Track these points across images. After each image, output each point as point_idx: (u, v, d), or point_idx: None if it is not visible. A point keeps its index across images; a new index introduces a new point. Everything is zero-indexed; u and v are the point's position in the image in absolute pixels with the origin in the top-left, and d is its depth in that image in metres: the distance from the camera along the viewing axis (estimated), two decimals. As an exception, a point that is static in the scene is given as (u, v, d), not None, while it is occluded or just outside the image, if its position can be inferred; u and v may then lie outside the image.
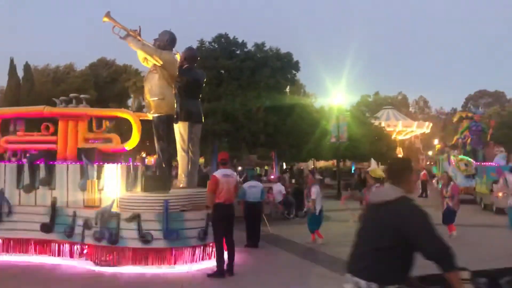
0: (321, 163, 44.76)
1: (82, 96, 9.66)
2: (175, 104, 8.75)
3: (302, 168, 37.73)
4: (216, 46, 18.53)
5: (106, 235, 7.91)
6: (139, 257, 7.83)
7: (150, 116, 8.79)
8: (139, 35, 8.66)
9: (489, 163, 20.32)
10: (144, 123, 9.42)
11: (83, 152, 9.01)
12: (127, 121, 9.84)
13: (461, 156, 22.49)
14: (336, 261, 8.72)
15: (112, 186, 8.88)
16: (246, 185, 10.32)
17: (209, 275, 7.42)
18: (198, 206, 8.33)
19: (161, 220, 7.78)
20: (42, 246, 8.66)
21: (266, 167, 34.82)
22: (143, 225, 7.81)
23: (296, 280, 7.37)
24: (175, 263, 7.83)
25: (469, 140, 22.92)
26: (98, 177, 8.80)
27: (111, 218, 7.92)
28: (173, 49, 8.93)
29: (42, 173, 8.96)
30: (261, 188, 10.65)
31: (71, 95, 9.72)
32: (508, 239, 10.79)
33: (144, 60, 8.91)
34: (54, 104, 10.13)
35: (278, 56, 18.59)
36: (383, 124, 51.74)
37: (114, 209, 8.13)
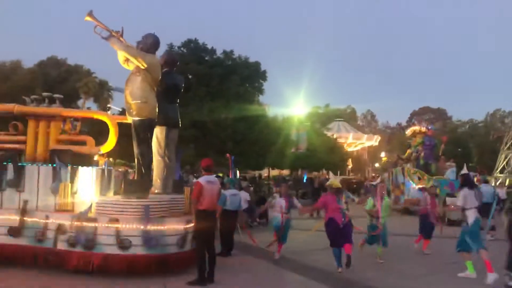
0: (275, 172, 45.26)
1: (55, 95, 9.28)
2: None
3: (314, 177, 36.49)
4: (185, 51, 18.39)
5: (82, 241, 7.64)
6: (117, 264, 7.59)
7: (129, 119, 8.59)
8: (122, 36, 8.48)
9: (441, 177, 21.31)
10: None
11: (56, 154, 8.66)
12: (100, 123, 9.58)
13: (414, 169, 23.43)
14: (312, 269, 8.89)
15: (86, 189, 8.60)
16: (227, 192, 10.26)
17: (189, 283, 7.32)
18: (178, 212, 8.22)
19: (140, 226, 7.61)
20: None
21: (220, 174, 34.73)
22: (122, 230, 7.61)
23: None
24: (154, 271, 7.65)
25: (422, 154, 23.92)
26: (72, 180, 8.50)
27: (88, 223, 7.66)
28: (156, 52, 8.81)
29: (10, 174, 8.54)
30: (240, 196, 10.65)
31: (44, 94, 9.32)
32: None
33: (125, 62, 8.73)
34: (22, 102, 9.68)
35: (247, 64, 18.70)
36: (335, 136, 53.05)
37: (91, 213, 7.87)
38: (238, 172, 34.18)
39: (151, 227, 7.63)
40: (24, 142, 9.06)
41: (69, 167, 8.53)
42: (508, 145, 49.02)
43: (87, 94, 51.15)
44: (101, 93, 52.15)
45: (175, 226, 7.98)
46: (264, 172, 44.10)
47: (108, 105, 38.58)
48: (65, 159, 8.63)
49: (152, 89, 8.46)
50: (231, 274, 8.28)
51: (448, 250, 9.95)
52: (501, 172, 48.40)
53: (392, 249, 10.39)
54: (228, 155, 19.65)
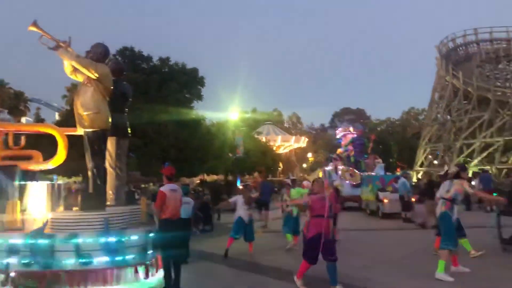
0: (209, 178, 45.18)
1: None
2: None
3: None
4: (120, 59, 17.94)
5: (39, 260, 7.31)
6: (77, 280, 7.36)
7: (80, 131, 8.34)
8: (69, 46, 8.23)
9: (372, 173, 22.63)
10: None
11: (2, 170, 8.21)
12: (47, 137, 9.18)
13: (346, 167, 24.65)
14: (273, 269, 9.15)
15: (36, 206, 8.22)
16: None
17: (155, 293, 7.28)
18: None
19: (101, 239, 7.43)
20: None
21: (152, 185, 34.09)
22: (81, 245, 7.39)
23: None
24: (117, 284, 7.51)
25: (352, 153, 25.23)
26: (20, 197, 8.09)
27: (45, 240, 7.34)
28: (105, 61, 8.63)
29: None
30: (193, 205, 10.69)
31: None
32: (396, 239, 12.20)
33: (72, 73, 8.47)
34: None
35: (184, 71, 18.62)
36: (265, 139, 54.05)
37: (47, 230, 7.55)
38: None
39: (112, 240, 7.48)
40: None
41: (16, 183, 8.13)
42: (425, 140, 52.59)
43: (1, 106, 48.09)
44: (17, 104, 49.31)
45: (135, 236, 7.88)
46: (197, 179, 43.95)
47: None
48: (11, 175, 8.20)
49: (104, 99, 8.28)
50: (193, 281, 8.32)
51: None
52: (421, 166, 51.78)
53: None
54: (163, 164, 19.52)
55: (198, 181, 42.73)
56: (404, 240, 12.53)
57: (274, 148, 63.16)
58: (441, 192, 8.30)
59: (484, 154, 45.06)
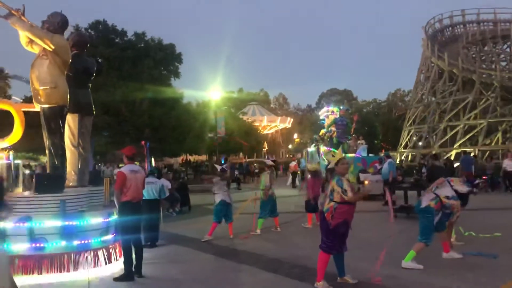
0: (192, 158, 44.78)
1: None
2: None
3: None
4: (93, 33, 17.18)
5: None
6: (32, 265, 6.94)
7: (37, 107, 7.81)
8: (23, 15, 7.63)
9: (354, 154, 22.30)
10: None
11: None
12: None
13: (328, 148, 24.26)
14: (241, 252, 8.81)
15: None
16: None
17: (115, 279, 6.88)
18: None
19: (57, 223, 7.00)
20: None
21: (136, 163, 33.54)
22: (36, 229, 6.94)
23: (209, 276, 7.22)
24: (75, 269, 7.10)
25: (335, 134, 24.81)
26: (-28, 178, 7.58)
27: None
28: (64, 32, 8.06)
29: None
30: (160, 185, 10.20)
31: None
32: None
33: (28, 44, 7.91)
34: None
35: (161, 47, 17.94)
36: (250, 120, 53.60)
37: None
38: (153, 160, 33.45)
39: (69, 223, 7.05)
40: None
41: (-32, 163, 7.62)
42: (410, 121, 52.56)
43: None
44: (-3, 81, 48.11)
45: (95, 220, 7.46)
46: (180, 159, 43.51)
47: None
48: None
49: (62, 73, 7.76)
50: (160, 266, 7.93)
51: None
52: (405, 147, 51.87)
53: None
54: (143, 142, 18.92)
55: (181, 161, 42.35)
56: (383, 223, 12.26)
57: (260, 129, 62.85)
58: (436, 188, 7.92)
59: (468, 136, 45.25)
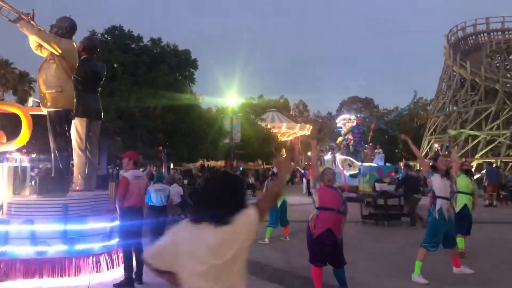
0: (210, 164, 44.83)
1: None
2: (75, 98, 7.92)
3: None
4: (109, 38, 17.34)
5: (-8, 246, 6.86)
6: (33, 269, 6.92)
7: (44, 110, 7.84)
8: (33, 19, 7.68)
9: (371, 164, 21.96)
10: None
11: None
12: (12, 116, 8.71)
13: (344, 157, 23.99)
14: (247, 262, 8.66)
15: (-3, 189, 7.77)
16: (152, 188, 9.74)
17: (115, 285, 6.81)
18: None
19: (59, 227, 6.97)
20: None
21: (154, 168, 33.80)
22: (38, 233, 6.93)
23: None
24: (76, 274, 7.05)
25: (351, 142, 24.53)
26: (-21, 180, 7.64)
27: (-2, 226, 6.89)
28: (73, 37, 8.09)
29: None
30: (168, 191, 10.17)
31: None
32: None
33: (37, 48, 7.96)
34: None
35: (176, 52, 17.99)
36: (269, 126, 53.47)
37: (2, 215, 7.10)
38: (172, 165, 33.55)
39: (71, 227, 7.01)
40: None
41: (-25, 165, 7.67)
42: (430, 131, 51.67)
43: (5, 86, 47.88)
44: (21, 85, 49.08)
45: (98, 225, 7.41)
46: (198, 164, 43.60)
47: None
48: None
49: (69, 77, 7.76)
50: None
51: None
52: (425, 157, 50.94)
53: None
54: (160, 148, 18.98)
55: (199, 167, 42.41)
56: (395, 234, 11.94)
57: (279, 136, 62.55)
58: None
59: (490, 146, 44.16)
